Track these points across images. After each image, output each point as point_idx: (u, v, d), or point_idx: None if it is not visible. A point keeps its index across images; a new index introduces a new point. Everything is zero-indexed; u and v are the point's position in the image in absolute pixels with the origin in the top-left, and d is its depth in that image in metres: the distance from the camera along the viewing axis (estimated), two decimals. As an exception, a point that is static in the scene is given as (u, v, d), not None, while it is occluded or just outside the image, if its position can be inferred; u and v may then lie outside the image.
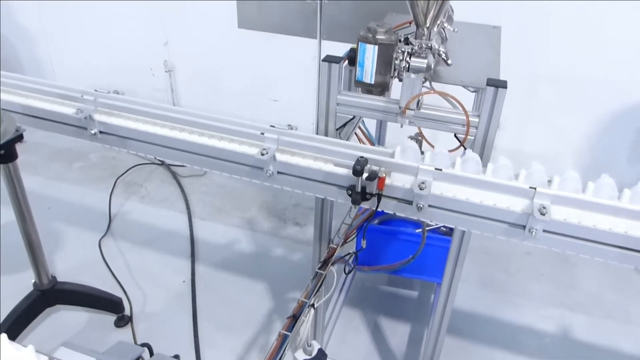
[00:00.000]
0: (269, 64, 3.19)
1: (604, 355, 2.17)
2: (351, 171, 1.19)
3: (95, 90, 1.47)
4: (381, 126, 2.15)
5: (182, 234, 2.69)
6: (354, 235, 1.68)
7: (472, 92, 1.79)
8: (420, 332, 2.21)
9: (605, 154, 2.87)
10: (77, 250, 2.52)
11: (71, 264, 2.43)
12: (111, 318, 2.16)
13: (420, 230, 2.15)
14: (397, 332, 2.20)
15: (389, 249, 1.99)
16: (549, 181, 1.18)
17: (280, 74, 3.20)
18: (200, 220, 2.80)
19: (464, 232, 1.42)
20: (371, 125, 1.93)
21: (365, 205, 1.25)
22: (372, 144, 1.85)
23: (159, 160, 3.27)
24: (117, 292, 2.26)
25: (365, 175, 1.19)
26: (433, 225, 2.02)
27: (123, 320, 2.15)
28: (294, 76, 3.15)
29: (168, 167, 3.23)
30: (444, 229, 2.27)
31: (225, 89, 3.38)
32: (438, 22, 1.29)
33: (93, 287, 2.16)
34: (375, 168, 1.22)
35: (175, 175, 3.17)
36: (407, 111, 1.29)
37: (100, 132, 1.45)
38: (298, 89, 3.18)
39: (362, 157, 1.21)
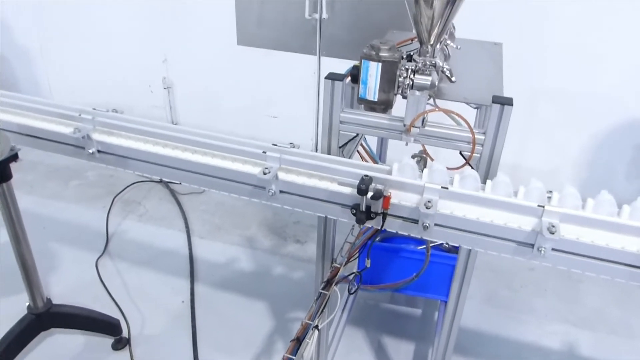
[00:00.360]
0: (268, 80, 3.19)
1: (610, 371, 2.15)
2: (355, 190, 1.18)
3: (94, 109, 1.45)
4: (382, 143, 2.14)
5: (181, 253, 2.65)
6: (357, 254, 1.66)
7: (475, 108, 1.79)
8: (424, 351, 2.18)
9: (603, 169, 2.88)
10: (74, 271, 2.48)
11: (67, 285, 2.38)
12: (108, 341, 2.12)
13: (424, 247, 2.13)
14: (401, 351, 2.17)
15: (392, 267, 1.96)
16: (549, 197, 1.18)
17: (280, 91, 3.20)
18: (199, 238, 2.77)
19: (470, 250, 1.40)
20: (372, 142, 1.92)
21: (370, 224, 1.24)
22: (375, 161, 1.82)
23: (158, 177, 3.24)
24: (114, 313, 2.22)
25: (370, 194, 1.18)
26: (435, 242, 2.01)
27: (121, 343, 2.11)
28: (294, 93, 3.15)
29: (166, 184, 3.21)
30: (447, 246, 2.25)
31: (224, 106, 3.38)
32: (441, 39, 1.28)
33: (90, 309, 2.12)
34: (380, 187, 1.20)
35: (173, 193, 3.14)
36: (412, 129, 1.28)
37: (99, 151, 1.43)
38: (297, 105, 3.18)
39: (366, 175, 1.20)
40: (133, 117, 1.43)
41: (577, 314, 2.43)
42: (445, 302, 2.10)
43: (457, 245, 1.25)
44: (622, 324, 2.39)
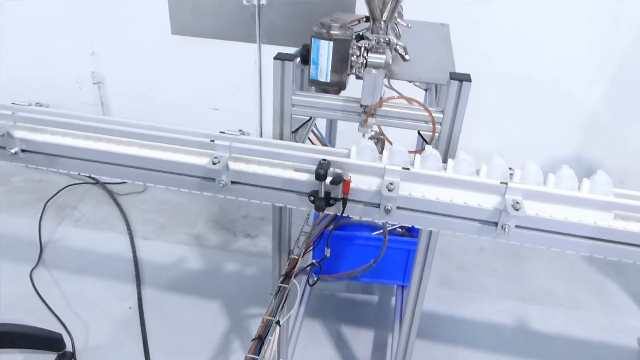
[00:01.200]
0: (207, 71, 3.07)
1: (559, 342, 2.23)
2: (313, 176, 1.13)
3: (13, 104, 1.30)
4: (331, 127, 2.10)
5: (124, 257, 2.54)
6: (314, 243, 1.60)
7: (424, 90, 1.78)
8: (383, 338, 2.17)
9: (550, 151, 2.95)
10: (6, 285, 2.29)
11: (1, 301, 2.19)
12: (51, 357, 1.97)
13: (379, 232, 2.12)
14: (361, 340, 2.15)
15: (349, 255, 1.95)
16: (511, 175, 1.17)
17: (220, 82, 3.10)
18: (143, 240, 2.66)
19: (431, 232, 1.38)
20: (320, 126, 1.87)
21: (329, 211, 1.20)
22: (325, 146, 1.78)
23: (93, 178, 3.10)
24: (55, 327, 2.07)
25: (328, 179, 1.13)
26: (389, 227, 1.99)
27: (65, 358, 1.96)
28: (235, 83, 3.06)
29: (103, 185, 3.06)
30: (400, 230, 2.25)
31: (161, 101, 3.23)
32: (394, 16, 1.23)
33: (27, 325, 1.98)
34: (339, 171, 1.16)
35: (112, 194, 3.01)
36: (369, 119, 1.24)
37: (23, 150, 1.29)
38: (240, 96, 3.09)
39: (324, 159, 1.15)
40: (59, 110, 1.30)
41: (527, 290, 2.50)
42: (402, 286, 2.14)
43: (421, 227, 1.23)
44: (568, 298, 2.48)
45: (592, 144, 2.92)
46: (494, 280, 2.54)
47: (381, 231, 2.13)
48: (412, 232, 2.20)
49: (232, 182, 1.22)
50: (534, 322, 2.31)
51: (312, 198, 1.17)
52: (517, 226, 1.13)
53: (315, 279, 1.50)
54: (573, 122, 2.90)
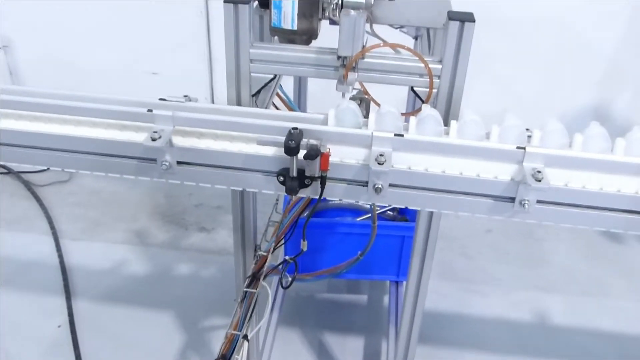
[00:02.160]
0: (141, 28, 3.04)
1: (584, 336, 2.26)
2: (282, 149, 1.11)
3: None
4: (301, 88, 2.10)
5: (48, 263, 2.49)
6: (285, 237, 1.60)
7: (413, 38, 1.77)
8: (376, 344, 2.17)
9: (566, 106, 2.96)
10: None
11: None
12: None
13: (366, 217, 2.10)
14: (348, 348, 2.16)
15: (330, 247, 1.95)
16: (529, 137, 1.17)
17: (159, 40, 3.07)
18: (72, 241, 2.62)
19: (431, 214, 1.38)
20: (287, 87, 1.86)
21: (304, 193, 1.19)
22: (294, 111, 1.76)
23: (4, 167, 3.06)
24: (-36, 354, 2.02)
25: (302, 153, 1.12)
26: (377, 210, 1.99)
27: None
28: (177, 39, 3.04)
29: (18, 175, 3.02)
30: (391, 213, 2.24)
31: (84, 66, 3.19)
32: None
33: None
34: (314, 142, 1.14)
35: (29, 185, 2.96)
36: (349, 75, 1.23)
37: None
38: (184, 55, 3.08)
39: (295, 128, 1.13)
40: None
41: (545, 277, 2.53)
42: (397, 282, 2.13)
43: (419, 208, 1.24)
44: (594, 283, 2.51)
45: (616, 96, 2.94)
46: (505, 267, 2.56)
47: (368, 215, 2.12)
48: (405, 214, 2.19)
49: (179, 163, 1.21)
50: (555, 314, 2.34)
51: (281, 178, 1.16)
52: (539, 201, 1.12)
53: (290, 279, 1.51)
54: (591, 71, 2.91)
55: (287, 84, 1.78)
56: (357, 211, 2.19)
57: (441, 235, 2.62)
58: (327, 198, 1.19)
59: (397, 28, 1.52)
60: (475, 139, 1.13)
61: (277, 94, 1.61)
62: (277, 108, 1.69)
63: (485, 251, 2.64)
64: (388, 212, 2.22)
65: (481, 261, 2.58)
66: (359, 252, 1.79)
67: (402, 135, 1.11)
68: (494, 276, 2.50)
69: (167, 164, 1.19)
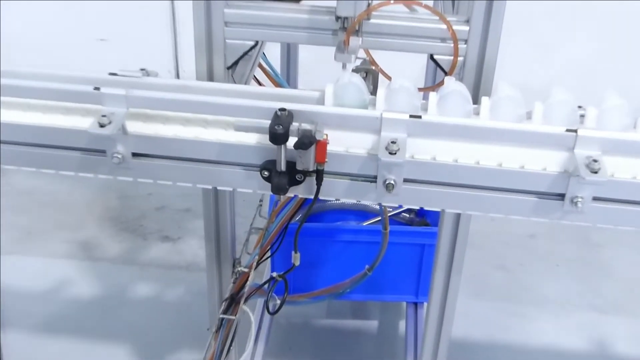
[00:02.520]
0: None
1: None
2: (266, 137, 1.12)
3: None
4: (290, 58, 2.11)
5: None
6: (271, 247, 1.63)
7: None
8: (389, 384, 2.20)
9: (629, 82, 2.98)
10: None
11: None
12: None
13: (375, 221, 2.11)
14: None
15: (328, 259, 1.98)
16: (582, 116, 1.17)
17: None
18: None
19: (459, 216, 1.39)
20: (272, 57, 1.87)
21: (295, 192, 1.20)
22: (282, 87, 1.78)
23: None
24: None
25: (292, 140, 1.12)
26: (389, 211, 2.01)
27: None
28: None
29: None
30: (407, 216, 2.26)
31: (13, 34, 3.16)
32: None
33: None
34: (307, 126, 1.13)
35: None
36: (351, 40, 1.23)
37: None
38: (142, 18, 3.11)
39: (283, 109, 1.13)
40: None
41: (605, 294, 2.54)
42: (415, 303, 2.14)
43: (444, 210, 1.26)
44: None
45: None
46: (554, 282, 2.58)
47: (378, 219, 2.13)
48: (425, 216, 2.20)
49: (134, 155, 1.21)
50: (617, 342, 2.35)
51: (266, 173, 1.17)
52: (594, 198, 1.13)
53: (279, 302, 1.53)
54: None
55: (273, 53, 1.79)
56: (363, 213, 2.21)
57: (471, 243, 2.65)
58: (325, 198, 1.19)
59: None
60: (513, 120, 1.14)
61: (260, 66, 1.62)
62: (259, 84, 1.70)
63: (529, 262, 2.65)
64: (403, 214, 2.23)
65: (523, 275, 2.60)
66: (367, 266, 1.80)
67: (420, 117, 1.11)
68: (540, 294, 2.51)
69: (119, 156, 1.18)
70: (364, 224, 2.15)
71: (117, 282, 2.54)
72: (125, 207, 2.90)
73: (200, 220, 1.64)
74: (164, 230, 2.78)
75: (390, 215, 2.01)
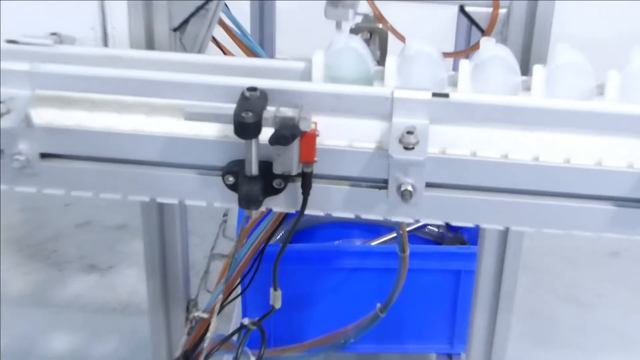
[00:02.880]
0: None
1: None
2: (231, 128, 1.13)
3: None
4: (263, 15, 2.12)
5: None
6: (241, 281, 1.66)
7: None
8: None
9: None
10: None
11: None
12: None
13: (388, 238, 2.13)
14: None
15: (323, 295, 2.00)
16: None
17: None
18: None
19: (506, 233, 1.41)
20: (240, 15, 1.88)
21: (273, 204, 1.22)
22: (254, 54, 1.79)
23: None
24: None
25: (266, 132, 1.13)
26: (413, 224, 2.04)
27: None
28: None
29: None
30: (435, 230, 2.27)
31: None
32: None
33: None
34: (289, 112, 1.14)
35: None
36: None
37: None
38: None
39: (252, 88, 1.14)
40: None
41: None
42: (449, 355, 2.17)
43: (479, 224, 1.27)
44: None
45: None
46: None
47: (393, 235, 2.14)
48: (459, 231, 2.22)
49: (44, 156, 1.23)
50: None
51: (230, 179, 1.19)
52: None
53: (257, 356, 1.53)
54: None
55: (239, 6, 1.80)
56: (371, 228, 2.22)
57: (527, 265, 2.69)
58: (314, 212, 1.21)
59: None
60: (579, 96, 1.16)
61: (221, 24, 1.64)
62: (222, 50, 1.72)
63: (609, 291, 2.69)
64: (429, 227, 2.25)
65: (603, 308, 2.63)
66: (379, 305, 1.82)
67: (447, 96, 1.13)
68: (625, 336, 2.54)
69: (21, 159, 1.20)
70: (373, 243, 2.17)
71: (22, 331, 2.55)
72: (33, 224, 2.92)
73: (139, 241, 1.66)
74: (89, 257, 2.81)
75: (410, 231, 2.02)
